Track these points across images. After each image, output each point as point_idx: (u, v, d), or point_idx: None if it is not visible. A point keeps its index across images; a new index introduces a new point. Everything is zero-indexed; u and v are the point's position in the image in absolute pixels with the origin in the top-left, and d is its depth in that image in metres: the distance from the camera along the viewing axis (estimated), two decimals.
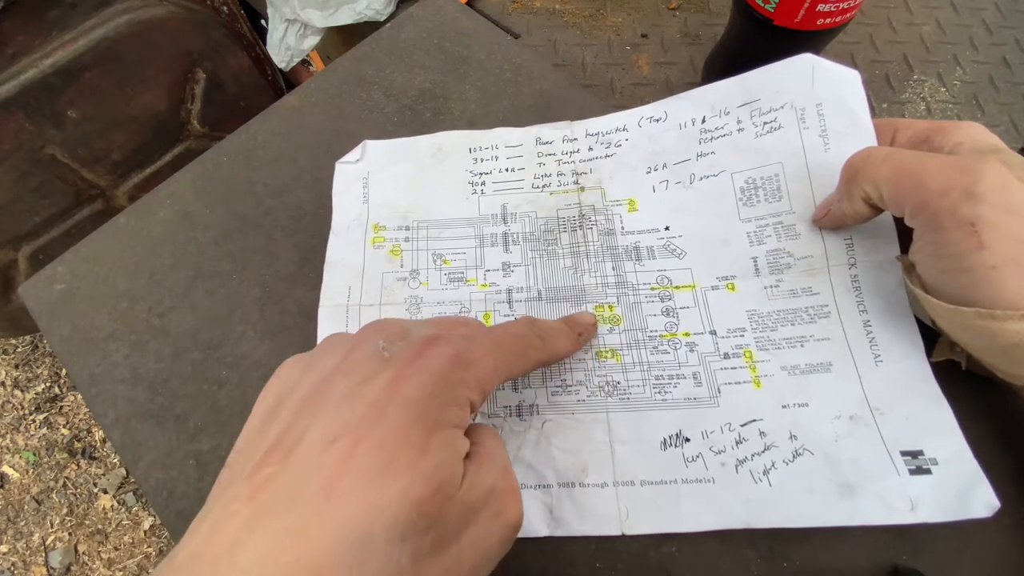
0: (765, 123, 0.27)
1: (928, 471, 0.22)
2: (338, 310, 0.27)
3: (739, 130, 0.28)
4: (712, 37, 0.44)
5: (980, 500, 0.21)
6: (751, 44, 0.37)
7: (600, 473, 0.23)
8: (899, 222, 0.24)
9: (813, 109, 0.26)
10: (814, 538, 0.23)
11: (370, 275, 0.28)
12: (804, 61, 0.27)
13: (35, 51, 0.63)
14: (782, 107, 0.27)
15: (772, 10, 0.32)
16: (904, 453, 0.22)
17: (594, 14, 0.46)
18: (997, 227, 0.19)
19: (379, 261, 0.29)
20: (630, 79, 0.43)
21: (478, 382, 0.18)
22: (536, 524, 0.23)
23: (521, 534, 0.23)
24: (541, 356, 0.21)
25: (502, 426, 0.25)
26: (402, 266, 0.28)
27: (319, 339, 0.27)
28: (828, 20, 0.31)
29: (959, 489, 0.21)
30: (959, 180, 0.19)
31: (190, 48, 0.72)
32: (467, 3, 0.44)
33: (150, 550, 0.96)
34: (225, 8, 0.75)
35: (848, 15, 0.32)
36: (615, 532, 0.23)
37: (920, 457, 0.22)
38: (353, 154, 0.31)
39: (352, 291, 0.28)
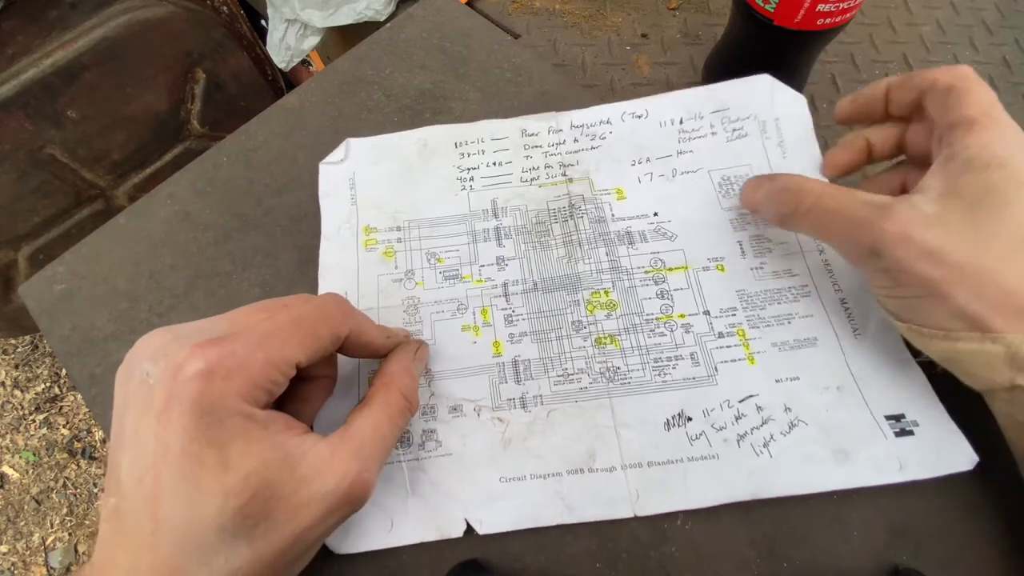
0: (734, 130, 0.30)
1: (911, 432, 0.23)
2: None
3: (712, 133, 0.30)
4: (712, 37, 0.44)
5: (960, 455, 0.23)
6: (751, 44, 0.37)
7: (607, 458, 0.24)
8: None
9: (773, 123, 0.29)
10: (814, 538, 0.23)
11: (365, 279, 0.28)
12: (764, 81, 0.30)
13: (35, 51, 0.63)
14: (748, 118, 0.29)
15: (772, 10, 0.32)
16: (888, 417, 0.24)
17: (594, 14, 0.46)
18: (908, 272, 0.20)
19: (373, 263, 0.28)
20: (630, 79, 0.43)
21: (249, 384, 0.17)
22: (549, 513, 0.23)
23: (534, 524, 0.23)
24: (338, 329, 0.20)
25: (508, 418, 0.25)
26: (396, 267, 0.28)
27: None
28: (828, 20, 0.31)
29: (939, 446, 0.23)
30: (864, 240, 0.21)
31: (190, 48, 0.72)
32: (467, 3, 0.44)
33: None
34: (225, 8, 0.75)
35: (848, 15, 0.32)
36: (627, 514, 0.23)
37: (903, 420, 0.24)
38: (336, 154, 0.31)
39: (348, 296, 0.28)
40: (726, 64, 0.39)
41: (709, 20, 0.45)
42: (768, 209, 0.26)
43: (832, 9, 0.31)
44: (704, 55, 0.42)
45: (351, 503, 0.19)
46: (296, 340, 0.19)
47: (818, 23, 0.32)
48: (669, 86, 0.42)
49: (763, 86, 0.29)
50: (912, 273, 0.20)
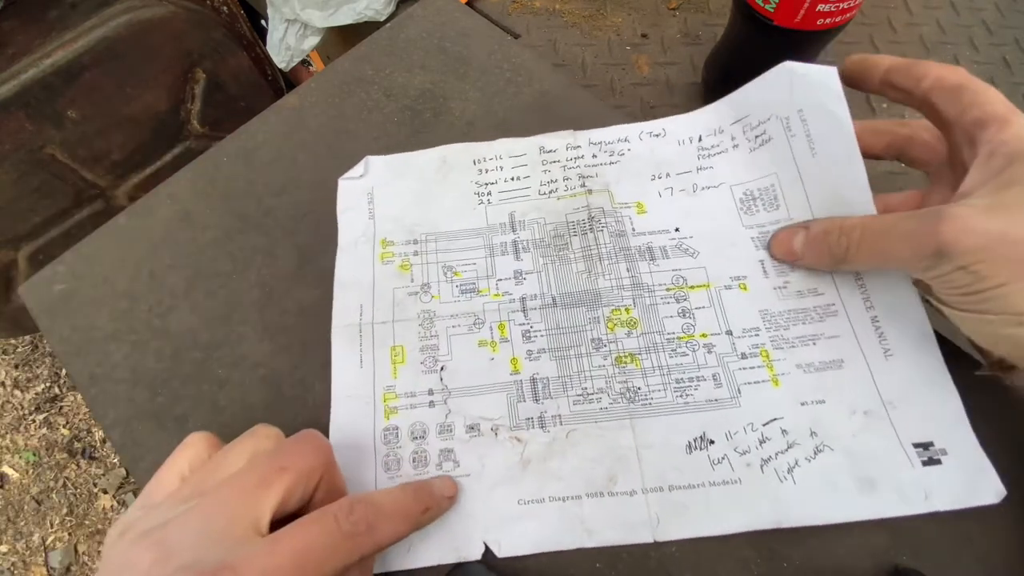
0: (756, 136, 0.28)
1: (939, 461, 0.23)
2: (351, 330, 0.27)
3: (734, 146, 0.29)
4: (712, 37, 0.44)
5: (988, 487, 0.22)
6: (751, 44, 0.37)
7: (628, 481, 0.23)
8: None
9: (796, 116, 0.27)
10: (814, 538, 0.23)
11: (380, 292, 0.28)
12: (781, 70, 0.27)
13: (35, 51, 0.63)
14: (769, 119, 0.28)
15: (772, 10, 0.32)
16: (916, 445, 0.23)
17: (594, 14, 0.46)
18: (984, 260, 0.19)
19: (389, 277, 0.28)
20: (630, 79, 0.43)
21: None
22: (569, 537, 0.23)
23: (554, 548, 0.23)
24: (349, 558, 0.18)
25: (526, 438, 0.24)
26: (412, 280, 0.28)
27: (335, 362, 0.26)
28: (828, 20, 0.31)
29: (967, 478, 0.22)
30: (926, 247, 0.20)
31: (190, 48, 0.72)
32: (467, 3, 0.44)
33: None
34: (225, 8, 0.75)
35: (848, 15, 0.32)
36: (647, 539, 0.22)
37: (931, 448, 0.23)
38: (356, 170, 0.31)
39: (364, 309, 0.27)
40: (726, 64, 0.39)
41: (709, 20, 0.45)
42: (815, 255, 0.25)
43: (832, 9, 0.31)
44: (704, 55, 0.42)
45: None
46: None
47: (818, 23, 0.32)
48: (669, 86, 0.42)
49: (780, 77, 0.27)
50: (988, 261, 0.19)
